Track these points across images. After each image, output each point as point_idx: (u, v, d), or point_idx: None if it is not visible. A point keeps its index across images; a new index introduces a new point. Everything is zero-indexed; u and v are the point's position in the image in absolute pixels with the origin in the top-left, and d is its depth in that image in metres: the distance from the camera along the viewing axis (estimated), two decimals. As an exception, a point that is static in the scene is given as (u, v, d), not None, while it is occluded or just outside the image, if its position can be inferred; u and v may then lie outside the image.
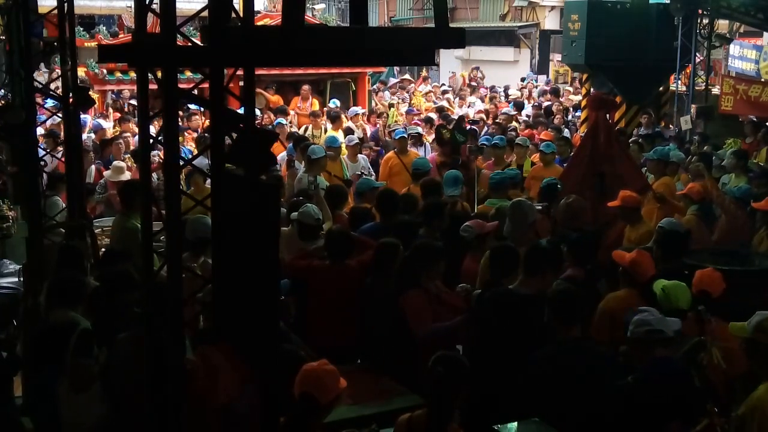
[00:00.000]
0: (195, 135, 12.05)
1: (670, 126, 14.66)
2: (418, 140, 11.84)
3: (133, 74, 13.91)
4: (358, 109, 14.30)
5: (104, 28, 17.70)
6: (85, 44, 14.14)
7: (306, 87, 14.84)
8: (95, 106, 11.91)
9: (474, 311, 5.16)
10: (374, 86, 19.46)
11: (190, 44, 4.04)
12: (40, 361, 4.60)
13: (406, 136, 10.93)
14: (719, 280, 5.11)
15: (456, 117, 13.48)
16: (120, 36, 15.37)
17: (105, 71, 13.90)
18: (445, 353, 3.96)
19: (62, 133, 8.64)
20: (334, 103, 14.43)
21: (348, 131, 12.61)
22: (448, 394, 3.78)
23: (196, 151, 10.39)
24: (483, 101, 17.20)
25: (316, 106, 14.65)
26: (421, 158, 9.68)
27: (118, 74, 14.20)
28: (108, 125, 12.92)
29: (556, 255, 5.58)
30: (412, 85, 19.77)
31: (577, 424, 4.29)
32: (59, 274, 5.35)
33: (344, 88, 16.04)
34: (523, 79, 21.12)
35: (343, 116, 13.33)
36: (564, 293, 4.66)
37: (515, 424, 4.30)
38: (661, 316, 4.40)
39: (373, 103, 16.43)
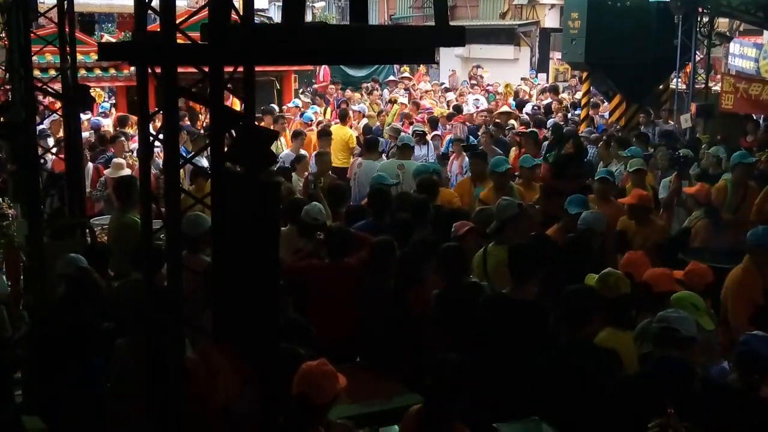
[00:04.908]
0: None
1: (670, 121, 14.64)
2: (421, 139, 11.82)
3: (109, 71, 13.76)
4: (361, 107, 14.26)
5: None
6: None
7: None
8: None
9: (477, 317, 5.12)
10: (368, 84, 19.39)
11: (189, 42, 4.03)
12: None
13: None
14: (645, 265, 5.29)
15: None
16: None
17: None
18: (448, 356, 3.92)
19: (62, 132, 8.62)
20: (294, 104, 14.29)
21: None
22: (449, 392, 3.75)
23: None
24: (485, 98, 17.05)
25: (237, 106, 14.39)
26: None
27: (83, 71, 13.41)
28: (107, 122, 12.88)
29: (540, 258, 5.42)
30: (413, 82, 19.77)
31: (581, 425, 4.25)
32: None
33: (268, 86, 15.39)
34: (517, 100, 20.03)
35: (351, 114, 13.36)
36: (577, 294, 4.60)
37: (515, 423, 4.29)
38: (686, 315, 4.24)
39: (367, 104, 16.35)
